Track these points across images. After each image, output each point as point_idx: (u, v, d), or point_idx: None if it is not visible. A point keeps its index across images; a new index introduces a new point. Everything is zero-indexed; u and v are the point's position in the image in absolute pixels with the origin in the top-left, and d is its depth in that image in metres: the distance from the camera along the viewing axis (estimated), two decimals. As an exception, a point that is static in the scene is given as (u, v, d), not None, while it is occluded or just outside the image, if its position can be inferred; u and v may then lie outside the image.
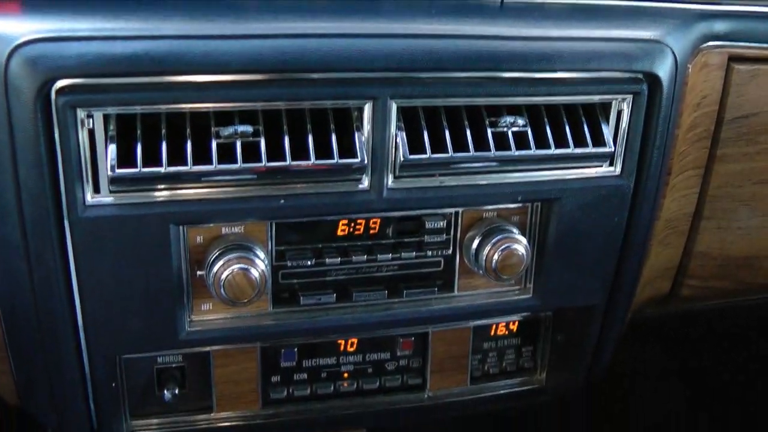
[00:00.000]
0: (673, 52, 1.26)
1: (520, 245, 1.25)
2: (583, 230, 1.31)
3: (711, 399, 2.28)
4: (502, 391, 1.53)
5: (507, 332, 1.50)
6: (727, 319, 1.96)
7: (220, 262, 1.15)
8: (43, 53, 1.02)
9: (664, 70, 1.25)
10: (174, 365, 1.33)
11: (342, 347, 1.41)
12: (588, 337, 1.47)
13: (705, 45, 1.36)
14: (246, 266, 1.14)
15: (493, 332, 1.49)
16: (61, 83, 1.04)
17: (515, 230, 1.28)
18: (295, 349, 1.38)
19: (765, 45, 1.41)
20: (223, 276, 1.14)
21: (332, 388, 1.43)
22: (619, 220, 1.32)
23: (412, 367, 1.46)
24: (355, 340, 1.41)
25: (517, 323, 1.50)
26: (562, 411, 1.82)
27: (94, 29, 1.06)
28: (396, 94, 1.14)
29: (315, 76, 1.11)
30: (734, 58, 1.39)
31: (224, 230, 1.20)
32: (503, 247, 1.25)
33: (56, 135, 1.05)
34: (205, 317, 1.24)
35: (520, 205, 1.31)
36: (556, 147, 1.23)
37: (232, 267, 1.14)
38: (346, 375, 1.43)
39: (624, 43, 1.24)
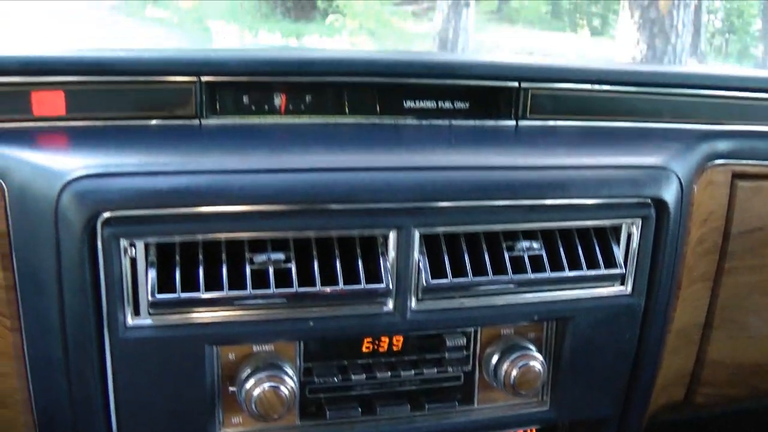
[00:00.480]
0: (678, 177, 1.34)
1: (537, 362, 1.31)
2: (597, 346, 1.36)
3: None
4: None
5: (524, 441, 1.54)
6: (743, 423, 1.99)
7: (252, 381, 1.20)
8: (92, 188, 1.11)
9: (670, 194, 1.32)
10: None
11: (365, 453, 1.45)
12: None
13: (710, 164, 1.44)
14: (276, 384, 1.20)
15: (511, 440, 1.53)
16: (107, 215, 1.12)
17: (532, 347, 1.33)
18: None
19: (767, 162, 1.49)
20: (255, 393, 1.19)
21: None
22: (631, 335, 1.38)
23: (433, 476, 1.49)
24: (378, 449, 1.45)
25: (534, 431, 1.54)
26: None
27: (138, 164, 1.15)
28: (419, 223, 1.21)
29: (344, 207, 1.19)
30: (738, 175, 1.47)
31: (255, 348, 1.25)
32: (521, 364, 1.30)
33: (100, 262, 1.13)
34: (235, 430, 1.29)
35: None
36: (570, 269, 1.29)
37: (263, 385, 1.19)
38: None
39: (632, 171, 1.31)
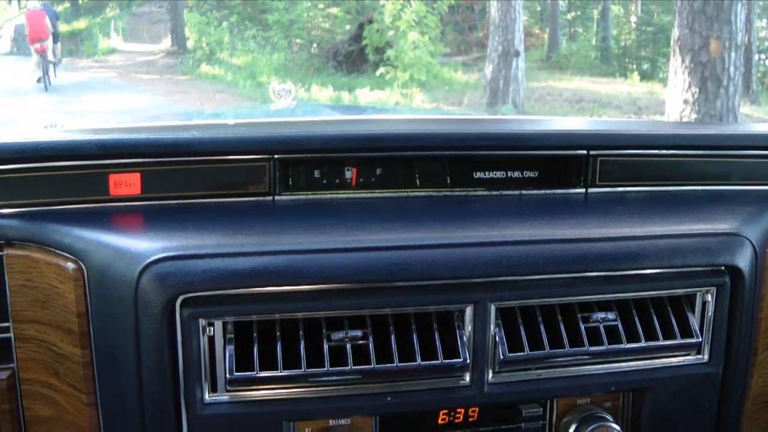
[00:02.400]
0: (751, 243, 1.33)
1: (615, 432, 1.30)
2: (675, 416, 1.35)
3: None
4: None
5: None
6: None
7: None
8: (172, 270, 1.14)
9: (744, 261, 1.32)
10: None
11: None
12: None
13: None
14: None
15: None
16: (186, 295, 1.15)
17: (609, 417, 1.32)
18: None
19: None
20: None
21: None
22: (710, 404, 1.36)
23: None
24: None
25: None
26: None
27: (217, 246, 1.18)
28: (495, 298, 1.23)
29: (419, 283, 1.21)
30: None
31: (332, 422, 1.26)
32: (599, 434, 1.29)
33: (179, 342, 1.15)
34: None
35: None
36: (646, 339, 1.29)
37: None
38: None
39: (704, 238, 1.31)
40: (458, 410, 1.31)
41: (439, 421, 1.31)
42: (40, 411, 1.27)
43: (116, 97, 15.35)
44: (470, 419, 1.32)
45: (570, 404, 1.35)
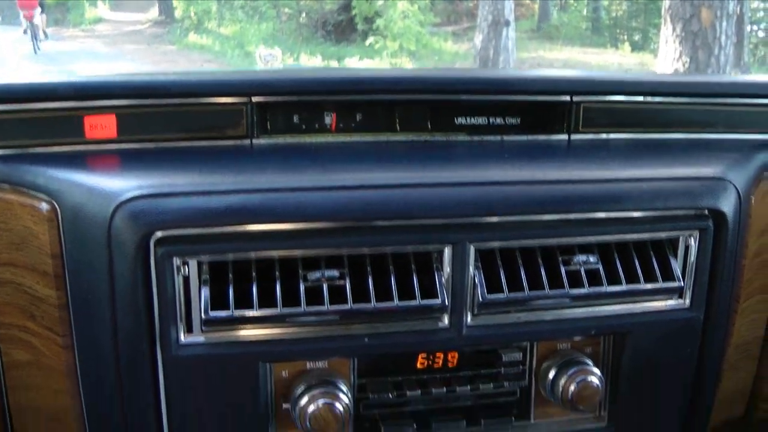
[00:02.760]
0: (735, 187, 1.31)
1: (595, 377, 1.29)
2: (656, 361, 1.34)
3: None
4: None
5: (582, 457, 1.52)
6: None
7: (306, 398, 1.20)
8: (145, 209, 1.12)
9: (728, 205, 1.30)
10: None
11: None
12: None
13: (766, 174, 1.41)
14: (330, 400, 1.19)
15: (568, 458, 1.51)
16: (160, 234, 1.13)
17: (590, 362, 1.32)
18: None
19: (826, 172, 1.46)
20: (309, 410, 1.19)
21: None
22: (691, 350, 1.35)
23: (488, 494, 1.48)
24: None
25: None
26: None
27: (191, 184, 1.16)
28: (474, 239, 1.21)
29: (398, 223, 1.19)
30: None
31: (309, 365, 1.25)
32: (579, 379, 1.28)
33: (153, 281, 1.14)
34: None
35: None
36: (627, 282, 1.28)
37: (318, 401, 1.19)
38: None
39: (688, 182, 1.30)
40: (437, 354, 1.30)
41: (418, 366, 1.30)
42: (17, 356, 1.25)
43: (103, 66, 15.23)
44: (450, 364, 1.31)
45: (550, 349, 1.34)
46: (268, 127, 1.40)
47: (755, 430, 1.68)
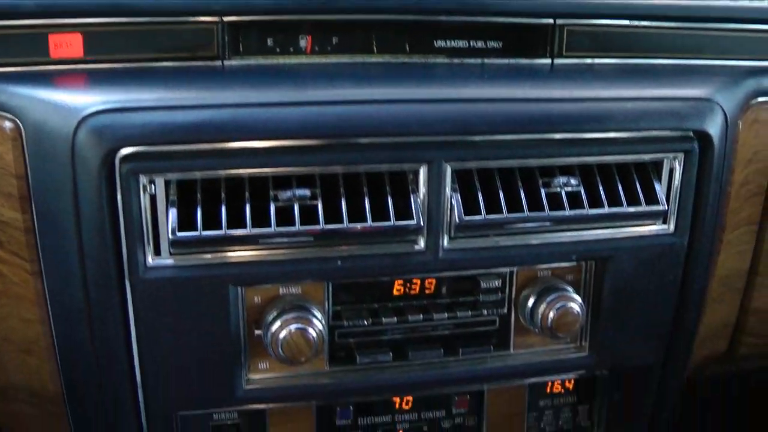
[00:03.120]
0: (723, 110, 1.27)
1: (575, 303, 1.26)
2: (638, 288, 1.31)
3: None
4: None
5: (563, 390, 1.50)
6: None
7: (278, 322, 1.17)
8: (109, 123, 1.07)
9: (714, 128, 1.26)
10: (229, 422, 1.35)
11: (397, 405, 1.42)
12: (646, 395, 1.46)
13: (755, 101, 1.37)
14: (303, 326, 1.16)
15: (549, 390, 1.49)
16: (125, 151, 1.09)
17: (570, 289, 1.28)
18: (351, 408, 1.38)
19: (815, 100, 1.41)
20: (281, 336, 1.16)
21: None
22: (674, 278, 1.32)
23: (467, 426, 1.46)
24: (410, 398, 1.41)
25: (573, 381, 1.49)
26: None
27: (157, 99, 1.11)
28: (450, 157, 1.17)
29: (371, 140, 1.14)
30: None
31: (282, 290, 1.22)
32: (559, 305, 1.25)
33: (119, 201, 1.10)
34: (262, 375, 1.26)
35: (574, 263, 1.32)
36: (609, 206, 1.24)
37: (290, 327, 1.16)
38: (401, 433, 1.44)
39: (674, 102, 1.25)
40: (414, 280, 1.27)
41: (395, 293, 1.27)
42: None
43: None
44: (427, 291, 1.28)
45: (530, 277, 1.31)
46: (240, 48, 1.35)
47: (738, 365, 1.67)
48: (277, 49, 1.37)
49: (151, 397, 1.22)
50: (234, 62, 1.33)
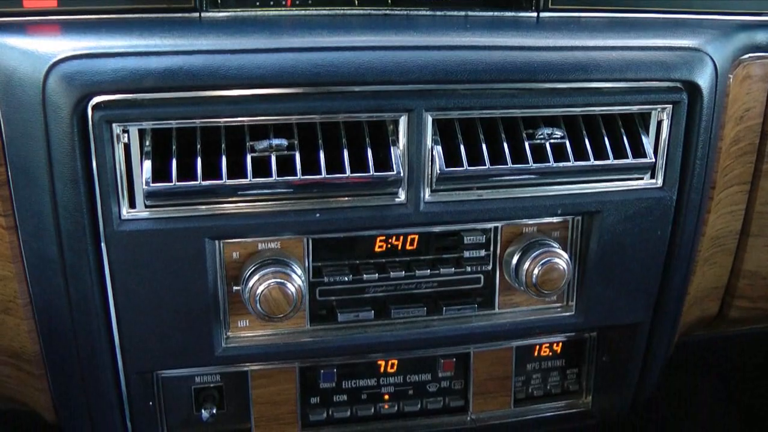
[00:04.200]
0: (713, 61, 1.24)
1: (561, 259, 1.23)
2: (625, 244, 1.28)
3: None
4: (547, 414, 1.50)
5: (551, 353, 1.47)
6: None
7: (256, 277, 1.14)
8: (80, 69, 1.04)
9: (704, 78, 1.23)
10: (212, 385, 1.33)
11: (382, 368, 1.39)
12: (634, 357, 1.43)
13: (746, 56, 1.34)
14: (282, 281, 1.14)
15: (536, 353, 1.46)
16: (97, 99, 1.05)
17: (556, 245, 1.25)
18: (335, 370, 1.36)
19: (811, 58, 1.38)
20: (259, 290, 1.13)
21: (372, 410, 1.41)
22: (662, 233, 1.29)
23: (454, 389, 1.44)
24: (395, 361, 1.39)
25: (560, 344, 1.47)
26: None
27: (129, 46, 1.08)
28: (431, 106, 1.13)
29: (349, 88, 1.11)
30: None
31: (260, 246, 1.19)
32: (543, 261, 1.22)
33: (92, 150, 1.07)
34: (241, 334, 1.24)
35: (560, 219, 1.29)
36: (596, 159, 1.21)
37: (268, 281, 1.13)
38: (386, 397, 1.41)
39: (662, 52, 1.22)
40: (396, 237, 1.24)
41: (376, 249, 1.24)
42: None
43: None
44: (408, 247, 1.25)
45: (515, 233, 1.28)
46: (219, 0, 1.32)
47: (728, 329, 1.64)
48: (257, 2, 1.34)
49: (129, 354, 1.19)
50: (212, 14, 1.30)
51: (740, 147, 1.37)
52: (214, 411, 1.33)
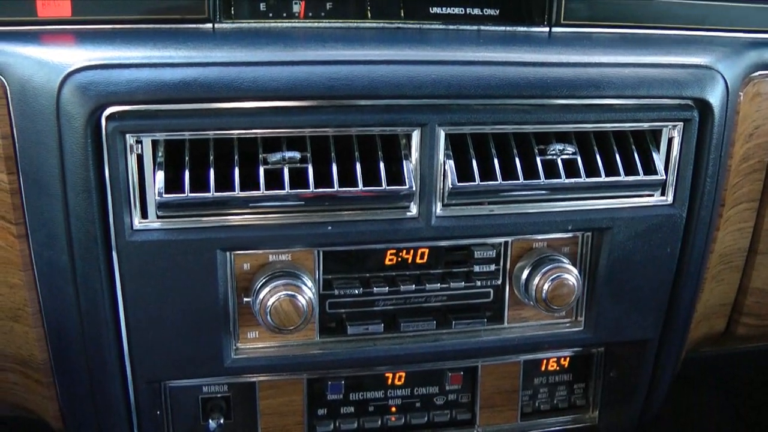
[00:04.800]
0: (724, 79, 1.24)
1: (571, 275, 1.23)
2: (635, 261, 1.28)
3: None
4: (553, 429, 1.50)
5: (558, 368, 1.47)
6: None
7: (267, 289, 1.14)
8: (95, 80, 1.05)
9: (715, 96, 1.23)
10: (219, 395, 1.33)
11: (390, 380, 1.39)
12: (641, 373, 1.43)
13: (756, 74, 1.34)
14: (293, 293, 1.14)
15: (543, 368, 1.46)
16: (111, 109, 1.06)
17: (566, 260, 1.26)
18: (342, 382, 1.36)
19: (819, 75, 1.38)
20: (270, 302, 1.14)
21: (379, 422, 1.41)
22: (672, 250, 1.29)
23: (461, 402, 1.44)
24: (403, 374, 1.39)
25: (568, 359, 1.46)
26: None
27: (144, 57, 1.09)
28: (444, 121, 1.14)
29: (363, 102, 1.12)
30: None
31: (271, 258, 1.19)
32: (553, 276, 1.22)
33: (105, 160, 1.07)
34: (251, 345, 1.24)
35: (570, 235, 1.29)
36: (607, 175, 1.21)
37: (279, 294, 1.14)
38: (393, 409, 1.41)
39: (674, 69, 1.22)
40: (406, 250, 1.24)
41: (387, 262, 1.24)
42: None
43: None
44: (419, 260, 1.25)
45: (525, 248, 1.28)
46: (232, 11, 1.32)
47: (735, 346, 1.64)
48: (270, 14, 1.35)
49: (138, 364, 1.19)
50: (225, 25, 1.31)
51: (750, 164, 1.37)
52: (222, 421, 1.32)
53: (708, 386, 2.13)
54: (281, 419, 1.37)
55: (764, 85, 1.35)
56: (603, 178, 1.21)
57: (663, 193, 1.27)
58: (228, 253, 1.17)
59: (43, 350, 1.22)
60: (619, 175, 1.22)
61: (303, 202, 1.13)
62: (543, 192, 1.20)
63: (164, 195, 1.09)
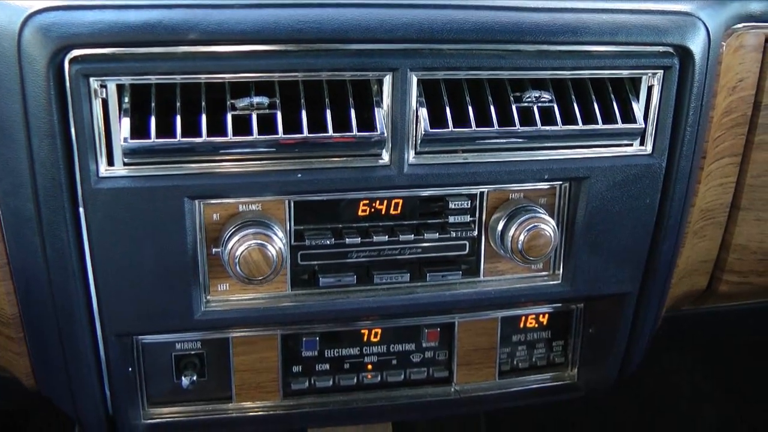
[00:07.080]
0: (705, 26, 1.22)
1: (548, 225, 1.21)
2: (613, 212, 1.26)
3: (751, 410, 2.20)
4: (532, 386, 1.48)
5: (537, 325, 1.45)
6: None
7: (236, 238, 1.12)
8: (56, 21, 1.02)
9: (696, 44, 1.21)
10: (193, 352, 1.31)
11: (365, 337, 1.37)
12: (621, 329, 1.41)
13: (740, 25, 1.31)
14: (262, 242, 1.12)
15: (522, 324, 1.45)
16: (75, 53, 1.03)
17: (542, 211, 1.24)
18: (317, 338, 1.34)
19: (805, 29, 1.36)
20: (239, 252, 1.11)
21: (355, 379, 1.39)
22: (651, 201, 1.27)
23: (438, 360, 1.42)
24: (379, 330, 1.37)
25: (546, 315, 1.45)
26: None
27: None
28: (416, 66, 1.11)
29: (333, 46, 1.09)
30: None
31: (241, 207, 1.17)
32: (530, 227, 1.20)
33: (69, 105, 1.05)
34: (221, 297, 1.21)
35: (547, 186, 1.27)
36: (584, 123, 1.19)
37: (248, 243, 1.11)
38: (369, 366, 1.40)
39: (654, 15, 1.20)
40: (380, 201, 1.22)
41: (360, 213, 1.22)
42: None
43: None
44: (393, 211, 1.23)
45: (501, 199, 1.26)
46: None
47: (716, 304, 1.62)
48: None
49: (106, 316, 1.17)
50: None
51: (732, 118, 1.35)
52: (195, 378, 1.31)
53: (687, 348, 2.12)
54: (256, 376, 1.35)
55: (748, 38, 1.32)
56: (580, 126, 1.19)
57: (642, 143, 1.25)
58: (197, 202, 1.15)
59: (12, 304, 1.20)
60: (597, 123, 1.19)
61: (273, 149, 1.10)
62: (519, 140, 1.18)
63: (130, 141, 1.06)
